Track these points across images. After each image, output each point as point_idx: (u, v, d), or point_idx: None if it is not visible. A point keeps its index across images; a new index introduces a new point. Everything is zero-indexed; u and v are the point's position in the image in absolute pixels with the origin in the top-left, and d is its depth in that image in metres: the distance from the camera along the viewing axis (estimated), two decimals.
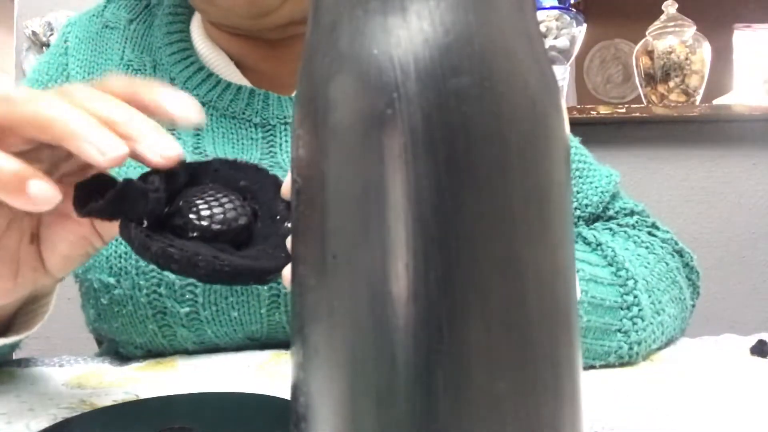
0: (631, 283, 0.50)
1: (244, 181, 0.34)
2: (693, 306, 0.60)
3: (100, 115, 0.30)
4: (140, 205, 0.29)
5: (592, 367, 0.49)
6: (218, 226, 0.30)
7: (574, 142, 0.67)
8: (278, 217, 0.33)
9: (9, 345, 0.44)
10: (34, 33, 1.68)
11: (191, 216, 0.30)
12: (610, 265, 0.52)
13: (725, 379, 0.45)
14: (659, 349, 0.54)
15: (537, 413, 0.17)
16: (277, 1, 0.55)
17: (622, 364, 0.50)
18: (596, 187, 0.63)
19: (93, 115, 0.29)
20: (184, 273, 0.29)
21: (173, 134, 0.57)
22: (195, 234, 0.30)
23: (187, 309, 0.51)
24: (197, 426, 0.32)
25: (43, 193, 0.29)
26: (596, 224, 0.63)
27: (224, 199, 0.31)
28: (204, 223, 0.30)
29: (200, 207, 0.31)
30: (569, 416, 0.18)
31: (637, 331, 0.49)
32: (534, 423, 0.17)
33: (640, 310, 0.49)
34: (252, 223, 0.32)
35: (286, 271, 0.29)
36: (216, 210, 0.31)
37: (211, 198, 0.31)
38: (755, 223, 1.78)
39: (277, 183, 0.34)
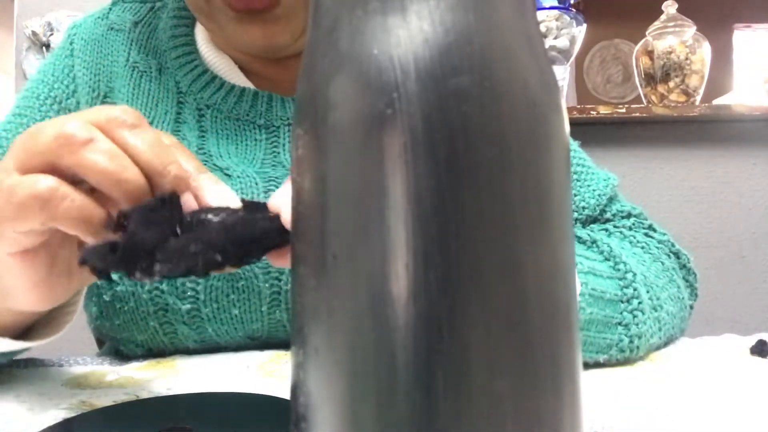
0: (630, 276, 0.50)
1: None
2: (691, 307, 0.60)
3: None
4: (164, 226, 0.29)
5: (597, 362, 0.49)
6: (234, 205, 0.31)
7: (573, 145, 0.67)
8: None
9: (22, 349, 0.44)
10: (34, 33, 1.68)
11: (209, 215, 0.30)
12: (608, 259, 0.52)
13: (725, 379, 0.45)
14: (658, 347, 0.54)
15: (537, 413, 0.17)
16: (293, 40, 0.56)
17: (622, 363, 0.50)
18: (593, 190, 0.63)
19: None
20: (241, 241, 0.29)
21: (178, 135, 0.58)
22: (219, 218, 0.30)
23: (188, 306, 0.52)
24: (197, 426, 0.32)
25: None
26: (592, 226, 0.63)
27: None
28: (221, 210, 0.30)
29: (208, 209, 0.30)
30: (569, 416, 0.18)
31: (637, 324, 0.49)
32: (534, 423, 0.17)
33: (639, 303, 0.50)
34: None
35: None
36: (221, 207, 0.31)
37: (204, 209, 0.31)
38: (755, 223, 1.78)
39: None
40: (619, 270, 0.51)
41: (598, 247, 0.54)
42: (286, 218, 0.29)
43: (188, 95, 0.59)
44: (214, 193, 0.31)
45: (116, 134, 0.31)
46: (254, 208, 0.31)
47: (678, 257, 0.60)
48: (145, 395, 0.40)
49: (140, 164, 0.31)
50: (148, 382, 0.45)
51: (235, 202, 0.31)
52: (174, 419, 0.33)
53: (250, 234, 0.29)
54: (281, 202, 0.29)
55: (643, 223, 0.63)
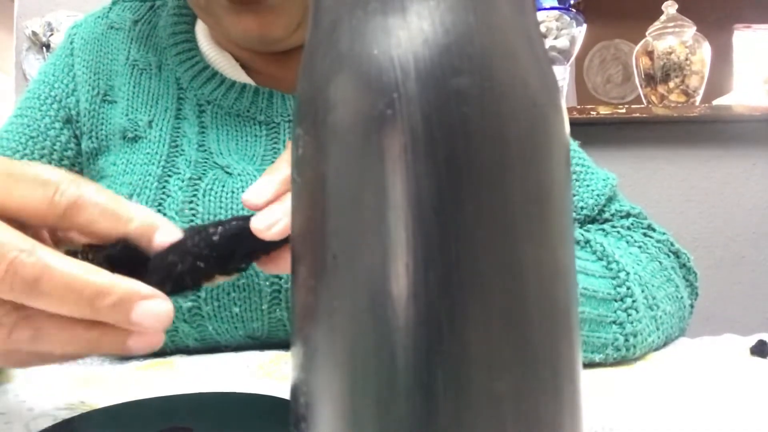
0: (623, 275, 0.50)
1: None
2: (692, 306, 0.60)
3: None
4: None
5: (592, 362, 0.49)
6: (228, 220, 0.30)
7: (573, 145, 0.67)
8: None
9: None
10: (34, 33, 1.68)
11: (210, 230, 0.29)
12: (600, 259, 0.52)
13: (725, 379, 0.45)
14: (657, 346, 0.54)
15: (537, 413, 0.17)
16: (287, 32, 0.56)
17: (620, 362, 0.50)
18: (592, 190, 0.63)
19: None
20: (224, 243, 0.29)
21: (178, 132, 0.58)
22: (216, 238, 0.29)
23: (189, 304, 0.52)
24: (197, 426, 0.32)
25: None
26: (589, 226, 0.63)
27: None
28: (218, 229, 0.30)
29: (207, 227, 0.30)
30: (569, 416, 0.18)
31: (632, 323, 0.49)
32: (534, 423, 0.17)
33: (633, 301, 0.50)
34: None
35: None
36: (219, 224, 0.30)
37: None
38: (755, 223, 1.78)
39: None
40: (611, 269, 0.51)
41: (591, 246, 0.54)
42: (282, 228, 0.29)
43: (188, 91, 0.60)
44: (166, 231, 0.29)
45: (66, 222, 0.27)
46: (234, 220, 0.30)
47: (677, 256, 0.60)
48: (145, 395, 0.40)
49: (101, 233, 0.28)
50: (148, 382, 0.45)
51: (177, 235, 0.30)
52: (174, 419, 0.33)
53: (226, 237, 0.29)
54: (272, 217, 0.29)
55: (641, 223, 0.63)
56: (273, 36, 0.55)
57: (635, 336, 0.49)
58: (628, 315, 0.49)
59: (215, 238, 0.29)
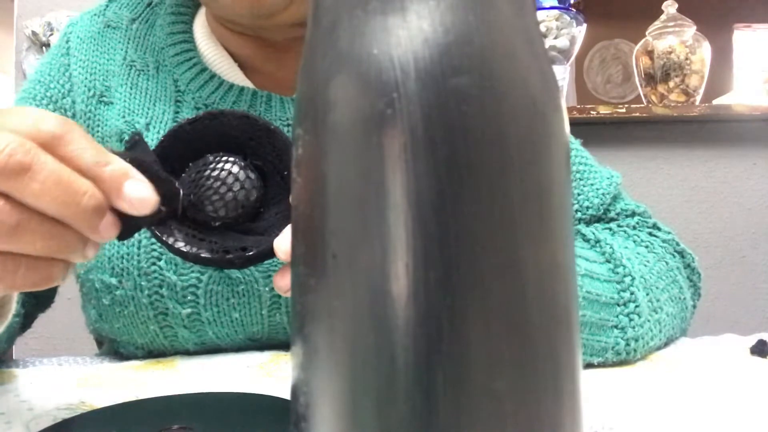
0: (628, 279, 0.50)
1: (236, 131, 0.35)
2: (694, 307, 0.60)
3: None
4: (175, 202, 0.32)
5: (590, 364, 0.49)
6: (235, 212, 0.33)
7: (575, 144, 0.67)
8: (285, 173, 0.34)
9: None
10: (34, 33, 1.68)
11: (209, 208, 0.33)
12: (608, 261, 0.52)
13: (725, 379, 0.45)
14: (658, 348, 0.54)
15: (537, 413, 0.17)
16: (281, 4, 0.54)
17: (620, 363, 0.50)
18: (597, 189, 0.63)
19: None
20: (220, 267, 0.33)
21: None
22: (218, 224, 0.33)
23: (188, 310, 0.52)
24: (197, 426, 0.32)
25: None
26: (596, 224, 0.63)
27: (230, 178, 0.33)
28: (221, 213, 0.33)
29: (212, 198, 0.33)
30: (569, 416, 0.18)
31: (633, 327, 0.49)
32: (534, 423, 0.17)
33: (636, 306, 0.50)
34: (263, 189, 0.34)
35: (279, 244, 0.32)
36: (228, 196, 0.33)
37: (219, 182, 0.33)
38: (755, 223, 1.78)
39: (269, 131, 0.34)
40: (617, 273, 0.51)
41: (600, 247, 0.54)
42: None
43: (186, 94, 0.58)
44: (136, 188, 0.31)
45: (54, 150, 0.29)
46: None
47: (683, 256, 0.60)
48: (145, 395, 0.40)
49: (83, 172, 0.30)
50: (148, 382, 0.45)
51: (153, 197, 0.32)
52: (174, 419, 0.33)
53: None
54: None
55: (647, 222, 0.63)
56: (266, 6, 0.54)
57: (636, 341, 0.49)
58: (630, 320, 0.49)
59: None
